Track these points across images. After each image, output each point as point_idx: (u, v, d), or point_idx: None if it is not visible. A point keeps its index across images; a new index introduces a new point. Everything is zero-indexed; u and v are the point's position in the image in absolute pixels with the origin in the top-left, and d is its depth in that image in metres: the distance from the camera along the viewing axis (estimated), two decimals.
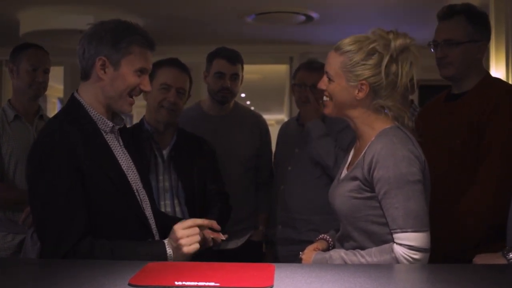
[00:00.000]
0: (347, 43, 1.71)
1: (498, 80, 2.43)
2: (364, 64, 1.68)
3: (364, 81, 1.69)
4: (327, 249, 1.85)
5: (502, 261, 1.68)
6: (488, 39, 2.23)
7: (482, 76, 2.22)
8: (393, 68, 1.69)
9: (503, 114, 2.07)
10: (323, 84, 1.76)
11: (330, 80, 1.74)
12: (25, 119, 2.74)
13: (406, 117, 1.74)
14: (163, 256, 1.67)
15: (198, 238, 1.69)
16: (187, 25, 5.83)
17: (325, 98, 1.77)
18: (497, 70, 4.05)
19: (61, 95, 8.94)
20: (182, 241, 1.66)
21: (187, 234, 1.68)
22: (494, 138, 2.06)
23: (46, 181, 1.63)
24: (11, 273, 1.47)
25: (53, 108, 10.68)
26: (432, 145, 2.21)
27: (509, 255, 1.68)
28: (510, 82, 3.83)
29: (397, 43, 1.68)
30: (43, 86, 2.78)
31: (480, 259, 1.78)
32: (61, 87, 8.08)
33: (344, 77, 1.71)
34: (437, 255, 1.79)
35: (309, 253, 1.80)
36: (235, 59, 2.90)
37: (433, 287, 1.28)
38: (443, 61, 2.22)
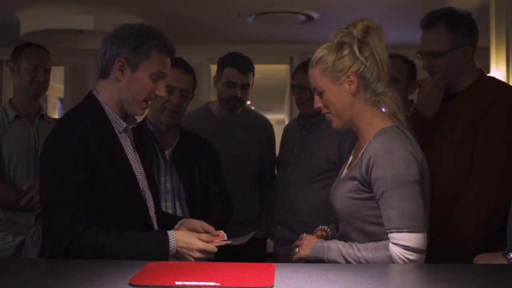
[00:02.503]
0: (315, 54, 1.77)
1: (492, 79, 2.43)
2: (340, 58, 1.71)
3: (349, 73, 1.71)
4: (326, 239, 1.87)
5: (503, 261, 1.68)
6: (474, 41, 2.20)
7: (476, 75, 2.22)
8: (367, 50, 1.71)
9: (498, 113, 2.07)
10: (317, 102, 1.79)
11: (320, 93, 1.76)
12: (26, 119, 2.74)
13: (399, 112, 1.73)
14: (165, 246, 1.71)
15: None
16: (188, 25, 5.83)
17: (327, 114, 1.79)
18: (497, 70, 4.05)
19: (61, 95, 8.94)
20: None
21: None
22: (489, 137, 2.05)
23: (59, 172, 1.67)
24: (11, 273, 1.47)
25: (53, 108, 10.68)
26: (428, 145, 2.21)
27: (509, 255, 1.68)
28: (510, 82, 3.83)
29: (358, 27, 1.71)
30: (44, 85, 2.77)
31: (481, 259, 1.78)
32: (61, 87, 8.07)
33: (330, 80, 1.73)
34: (435, 254, 1.79)
35: (310, 238, 1.80)
36: (247, 68, 2.87)
37: (433, 287, 1.29)
38: (430, 71, 2.23)
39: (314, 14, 5.34)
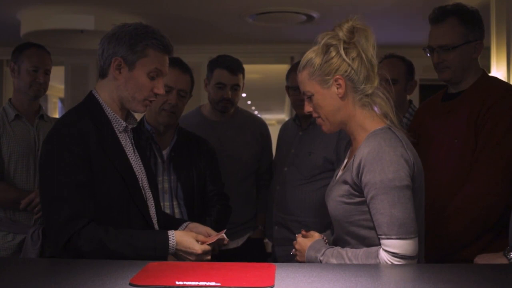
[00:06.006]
0: (302, 58, 1.74)
1: (494, 78, 2.43)
2: (326, 61, 1.68)
3: (336, 76, 1.68)
4: None
5: (503, 261, 1.68)
6: (482, 37, 2.21)
7: (479, 75, 2.22)
8: (353, 51, 1.68)
9: (499, 112, 2.07)
10: (307, 107, 1.77)
11: (309, 98, 1.74)
12: (26, 118, 2.74)
13: (391, 112, 1.71)
14: (164, 245, 1.71)
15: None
16: (187, 25, 5.83)
17: (317, 118, 1.76)
18: (498, 70, 4.05)
19: (61, 95, 8.96)
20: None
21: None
22: (490, 135, 2.06)
23: (58, 171, 1.68)
24: (12, 273, 1.47)
25: (53, 108, 10.70)
26: (430, 145, 2.21)
27: (510, 255, 1.68)
28: (511, 82, 3.83)
29: (343, 28, 1.69)
30: (44, 87, 2.77)
31: (481, 259, 1.78)
32: (61, 87, 8.09)
33: (318, 84, 1.70)
34: (432, 253, 1.79)
35: (305, 244, 1.77)
36: (236, 70, 2.88)
37: (434, 287, 1.28)
38: (440, 66, 2.21)
39: (314, 14, 5.35)
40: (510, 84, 2.82)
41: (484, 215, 2.03)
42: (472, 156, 2.09)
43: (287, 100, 9.05)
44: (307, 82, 1.73)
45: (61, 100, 10.27)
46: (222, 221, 2.45)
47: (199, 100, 5.81)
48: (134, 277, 1.33)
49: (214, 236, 1.83)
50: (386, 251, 1.58)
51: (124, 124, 1.84)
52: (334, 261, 1.65)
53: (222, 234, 1.85)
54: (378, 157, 1.59)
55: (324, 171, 2.68)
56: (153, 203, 1.90)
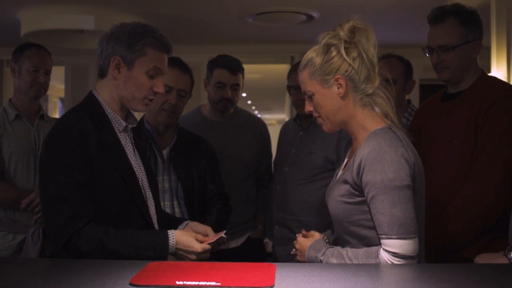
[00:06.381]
0: (303, 58, 1.74)
1: (494, 78, 2.44)
2: (327, 61, 1.69)
3: (337, 76, 1.68)
4: None
5: (503, 261, 1.68)
6: (481, 37, 2.21)
7: (478, 75, 2.22)
8: (354, 51, 1.68)
9: (499, 112, 2.07)
10: (308, 106, 1.77)
11: (310, 97, 1.74)
12: (26, 118, 2.74)
13: (391, 112, 1.71)
14: (164, 244, 1.71)
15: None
16: (187, 25, 5.83)
17: (317, 118, 1.77)
18: (498, 70, 4.04)
19: (62, 95, 8.96)
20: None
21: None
22: (490, 135, 2.06)
23: (58, 171, 1.68)
24: (12, 273, 1.47)
25: (54, 108, 10.70)
26: (430, 145, 2.21)
27: (510, 255, 1.68)
28: (511, 82, 3.83)
29: (344, 28, 1.69)
30: (44, 87, 2.78)
31: (482, 259, 1.78)
32: (62, 87, 8.09)
33: (319, 84, 1.70)
34: (432, 253, 1.80)
35: (305, 244, 1.78)
36: (236, 69, 2.89)
37: (434, 286, 1.28)
38: (440, 66, 2.21)
39: (315, 14, 5.35)
40: (509, 84, 2.82)
41: (484, 215, 2.04)
42: (472, 156, 2.09)
43: (287, 100, 9.06)
44: (307, 82, 1.73)
45: (61, 100, 10.27)
46: (222, 220, 2.45)
47: (199, 100, 5.81)
48: (134, 277, 1.33)
49: (214, 236, 1.84)
50: (386, 251, 1.58)
51: (124, 124, 1.84)
52: (334, 260, 1.65)
53: (222, 235, 1.85)
54: (379, 157, 1.59)
55: (324, 171, 2.68)
56: (153, 203, 1.90)
